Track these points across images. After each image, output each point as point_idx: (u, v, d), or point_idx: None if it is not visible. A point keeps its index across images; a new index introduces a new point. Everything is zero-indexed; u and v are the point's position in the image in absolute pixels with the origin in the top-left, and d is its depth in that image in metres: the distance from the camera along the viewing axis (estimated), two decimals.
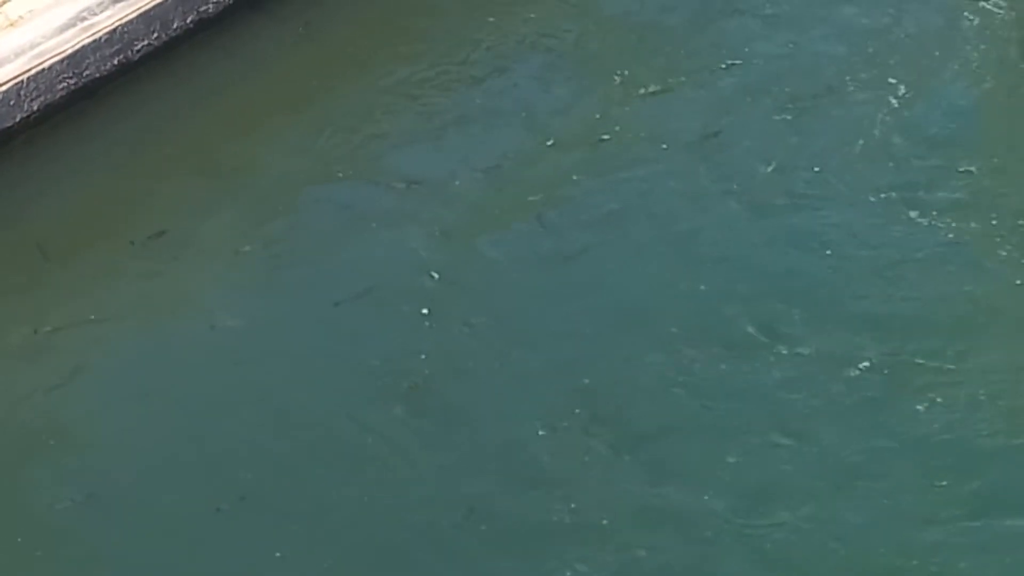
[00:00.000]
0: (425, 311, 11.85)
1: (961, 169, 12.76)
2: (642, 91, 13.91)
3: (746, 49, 14.28)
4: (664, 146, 13.28)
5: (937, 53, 14.04)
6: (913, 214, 12.40)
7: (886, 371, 11.17)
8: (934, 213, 12.39)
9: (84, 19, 13.89)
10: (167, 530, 10.52)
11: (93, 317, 12.07)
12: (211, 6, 14.51)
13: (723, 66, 14.10)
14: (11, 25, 13.80)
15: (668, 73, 14.08)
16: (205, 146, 13.77)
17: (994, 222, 12.25)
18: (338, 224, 12.84)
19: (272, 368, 11.56)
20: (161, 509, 10.63)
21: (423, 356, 11.46)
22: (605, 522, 10.35)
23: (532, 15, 14.99)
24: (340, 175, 13.32)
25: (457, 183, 13.09)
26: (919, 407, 10.88)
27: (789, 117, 13.50)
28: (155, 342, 11.84)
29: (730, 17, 14.73)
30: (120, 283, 12.40)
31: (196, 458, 10.97)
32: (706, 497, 10.47)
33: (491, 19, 14.99)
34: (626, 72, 14.11)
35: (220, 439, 11.07)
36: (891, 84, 13.70)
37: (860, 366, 11.19)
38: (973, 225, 12.24)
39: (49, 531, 10.55)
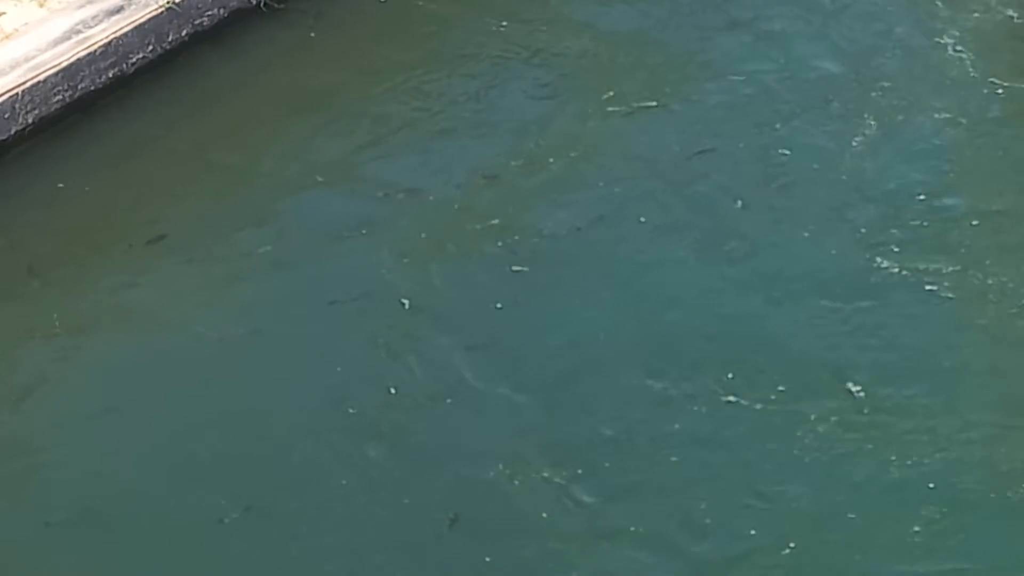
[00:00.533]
0: (385, 337, 11.84)
1: (934, 213, 12.58)
2: (628, 110, 13.92)
3: (735, 70, 14.29)
4: (641, 172, 13.23)
5: (919, 87, 13.92)
6: (881, 257, 12.19)
7: (853, 421, 10.97)
8: (904, 258, 12.17)
9: (79, 32, 13.98)
10: (162, 544, 10.51)
11: (86, 325, 12.13)
12: (206, 19, 14.62)
13: (710, 86, 14.09)
14: (6, 38, 13.89)
15: (656, 93, 14.07)
16: (199, 158, 13.82)
17: (968, 268, 12.08)
18: (325, 233, 12.86)
19: (246, 379, 11.60)
20: (158, 523, 10.63)
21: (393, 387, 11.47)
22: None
23: (535, 28, 15.09)
24: (330, 184, 13.38)
25: (431, 198, 13.13)
26: (889, 458, 10.70)
27: (767, 147, 13.40)
28: (148, 352, 11.88)
29: (726, 34, 14.78)
30: (114, 291, 12.46)
31: (189, 472, 10.96)
32: (669, 545, 10.27)
33: (494, 29, 15.11)
34: (616, 90, 14.15)
35: (207, 454, 11.07)
36: (869, 122, 13.58)
37: (827, 415, 10.99)
38: (946, 271, 12.05)
39: (40, 549, 10.53)
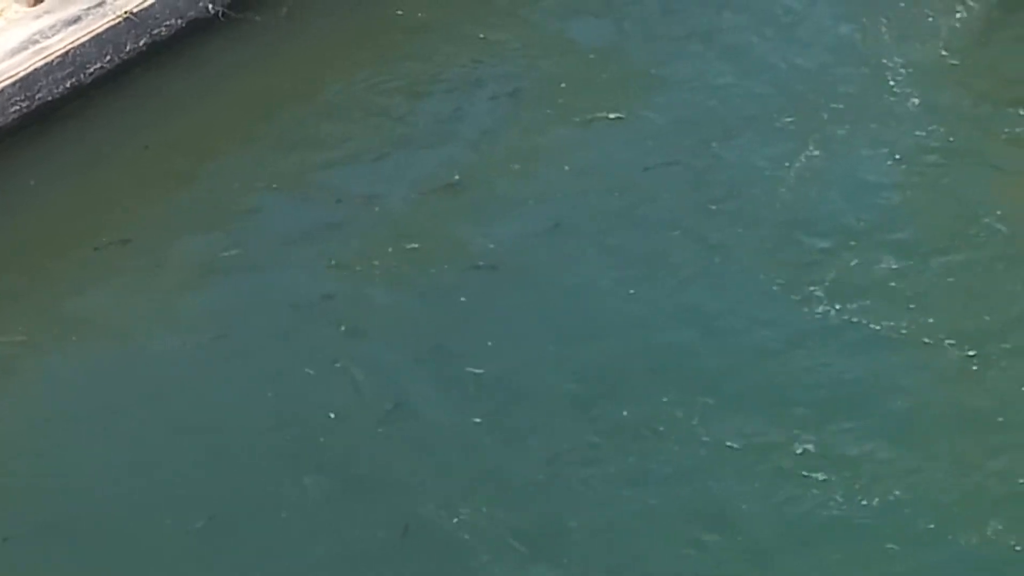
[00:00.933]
0: (327, 354, 11.82)
1: (876, 250, 12.42)
2: (582, 123, 14.00)
3: (689, 86, 14.34)
4: (588, 188, 13.23)
5: (864, 118, 13.80)
6: (825, 294, 12.03)
7: (793, 459, 10.81)
8: (847, 295, 12.02)
9: (36, 42, 13.98)
10: (119, 557, 10.55)
11: (38, 333, 12.12)
12: (163, 29, 14.63)
13: (662, 100, 14.16)
14: None
15: (610, 106, 14.12)
16: (158, 166, 13.83)
17: (909, 306, 11.93)
18: (281, 242, 12.92)
19: (201, 390, 11.62)
20: (115, 536, 10.66)
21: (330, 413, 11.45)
22: None
23: (503, 39, 15.15)
24: (288, 190, 13.45)
25: (378, 209, 13.17)
26: (831, 496, 10.55)
27: (714, 168, 13.39)
28: (99, 362, 11.93)
29: (685, 50, 14.83)
30: (68, 299, 12.48)
31: (143, 485, 10.97)
32: None
33: (462, 40, 15.16)
34: (573, 103, 14.20)
35: (160, 468, 11.09)
36: (815, 151, 13.45)
37: (766, 453, 10.84)
38: (887, 310, 11.88)
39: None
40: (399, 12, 15.55)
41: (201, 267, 12.76)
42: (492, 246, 12.68)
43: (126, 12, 14.33)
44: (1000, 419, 11.00)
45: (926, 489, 10.57)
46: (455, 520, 10.50)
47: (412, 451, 11.02)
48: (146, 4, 14.44)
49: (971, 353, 11.44)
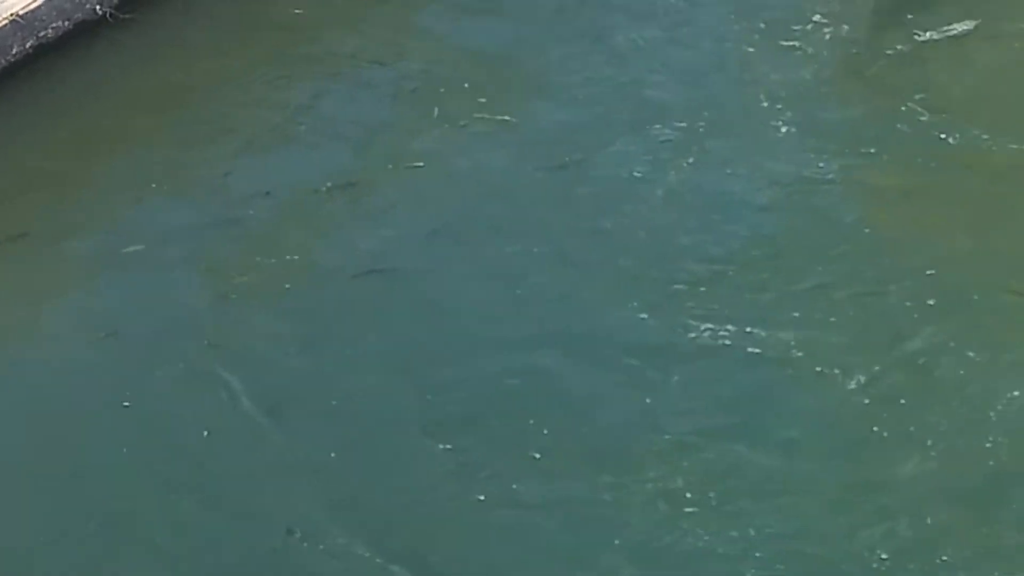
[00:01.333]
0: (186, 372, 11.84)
1: (750, 272, 12.24)
2: (461, 127, 14.04)
3: (573, 90, 14.39)
4: (461, 198, 13.22)
5: (740, 137, 13.72)
6: (696, 317, 11.82)
7: (668, 488, 10.61)
8: (719, 319, 11.81)
9: None
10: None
11: None
12: (50, 31, 14.70)
13: (544, 106, 14.23)
14: None
15: (491, 111, 14.22)
16: (39, 168, 13.94)
17: (769, 328, 11.74)
18: (153, 246, 13.01)
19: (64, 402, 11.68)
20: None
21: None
22: None
23: (389, 40, 15.27)
24: (168, 192, 13.56)
25: (251, 212, 13.26)
26: (708, 527, 10.38)
27: (587, 180, 13.35)
28: None
29: (574, 52, 14.89)
30: None
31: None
32: None
33: (348, 40, 15.27)
34: (453, 107, 14.28)
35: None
36: (691, 171, 13.35)
37: (636, 484, 10.66)
38: (747, 331, 11.70)
39: None
40: (289, 13, 15.69)
41: (87, 269, 12.86)
42: (364, 255, 12.76)
43: (12, 15, 14.40)
44: (881, 447, 10.89)
45: (805, 520, 10.45)
46: (321, 546, 10.54)
47: (281, 473, 11.06)
48: (33, 6, 14.51)
49: (853, 379, 11.32)
